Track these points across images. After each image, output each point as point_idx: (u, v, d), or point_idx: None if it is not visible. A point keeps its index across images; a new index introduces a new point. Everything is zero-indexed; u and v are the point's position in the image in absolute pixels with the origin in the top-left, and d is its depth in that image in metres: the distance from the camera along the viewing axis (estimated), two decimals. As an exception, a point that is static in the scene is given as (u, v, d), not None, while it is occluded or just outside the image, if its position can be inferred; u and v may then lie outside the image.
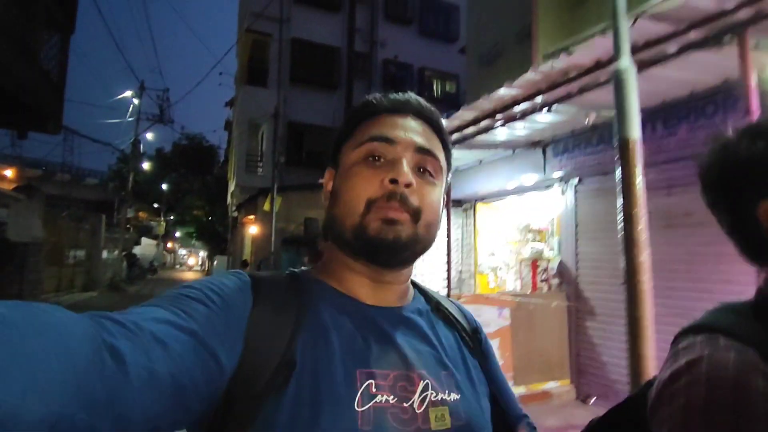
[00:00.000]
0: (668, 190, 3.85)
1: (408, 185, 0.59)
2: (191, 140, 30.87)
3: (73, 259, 13.17)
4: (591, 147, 4.73)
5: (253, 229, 11.86)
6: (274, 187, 9.15)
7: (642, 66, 2.81)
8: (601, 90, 3.32)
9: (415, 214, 0.60)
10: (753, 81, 2.49)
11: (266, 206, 9.13)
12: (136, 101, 17.87)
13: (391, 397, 0.54)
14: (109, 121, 20.01)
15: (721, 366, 0.50)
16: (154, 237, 36.80)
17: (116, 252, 18.14)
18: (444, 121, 0.71)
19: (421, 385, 0.57)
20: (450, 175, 0.71)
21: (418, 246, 0.61)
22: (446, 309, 0.71)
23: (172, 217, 34.47)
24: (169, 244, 43.94)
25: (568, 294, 4.91)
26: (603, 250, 4.48)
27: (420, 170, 0.63)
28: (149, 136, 24.21)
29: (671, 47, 2.89)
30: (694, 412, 0.49)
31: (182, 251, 49.74)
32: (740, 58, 2.53)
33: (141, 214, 31.97)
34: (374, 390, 0.54)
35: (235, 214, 16.34)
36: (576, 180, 4.94)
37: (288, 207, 10.09)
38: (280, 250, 9.15)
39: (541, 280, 5.32)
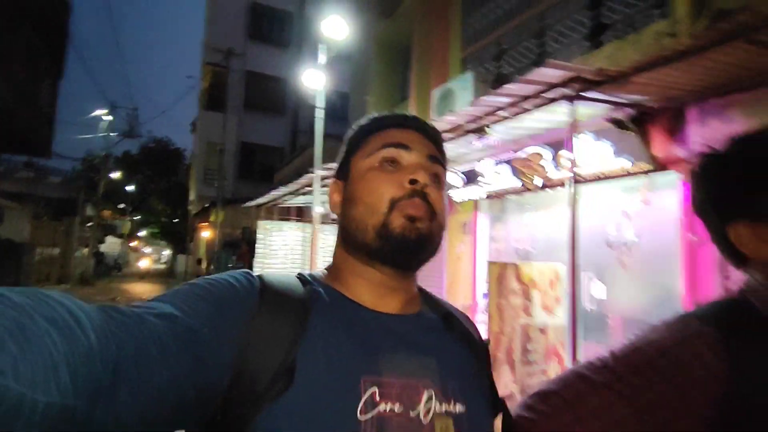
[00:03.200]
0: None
1: (426, 186, 0.62)
2: (158, 143, 32.62)
3: (50, 256, 15.35)
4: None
5: (206, 234, 14.45)
6: (218, 205, 11.82)
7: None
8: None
9: (431, 213, 0.61)
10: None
11: (213, 218, 11.79)
12: (107, 118, 20.07)
13: (396, 405, 0.53)
14: (82, 136, 21.88)
15: (665, 335, 0.62)
16: (119, 236, 38.19)
17: (85, 250, 20.18)
18: None
19: (426, 394, 0.56)
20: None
21: (432, 245, 0.63)
22: (456, 319, 0.70)
23: (137, 217, 35.91)
24: (134, 243, 45.16)
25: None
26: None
27: (431, 176, 0.64)
28: (115, 134, 25.62)
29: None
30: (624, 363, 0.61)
31: (147, 249, 50.87)
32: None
33: (105, 212, 33.22)
34: (378, 398, 0.53)
35: (195, 219, 18.80)
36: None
37: (234, 216, 12.70)
38: (221, 250, 11.82)
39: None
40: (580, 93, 2.67)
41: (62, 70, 11.42)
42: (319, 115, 5.32)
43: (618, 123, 3.01)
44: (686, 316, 0.64)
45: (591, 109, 3.15)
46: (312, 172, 5.49)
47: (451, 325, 0.68)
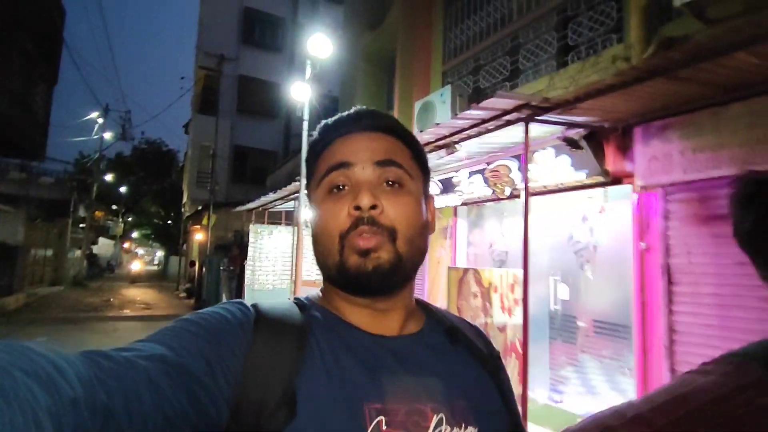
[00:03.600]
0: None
1: (373, 207, 0.57)
2: (150, 145, 32.72)
3: (43, 258, 15.47)
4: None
5: (198, 236, 14.65)
6: (210, 208, 12.05)
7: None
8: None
9: (391, 233, 0.57)
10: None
11: (204, 222, 12.02)
12: (100, 121, 20.23)
13: None
14: (76, 139, 22.01)
15: (716, 381, 0.52)
16: (112, 237, 38.19)
17: (78, 252, 20.29)
18: None
19: (435, 419, 0.53)
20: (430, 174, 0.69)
21: (405, 266, 0.59)
22: (461, 332, 0.67)
23: (130, 219, 35.93)
24: (126, 244, 45.14)
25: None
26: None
27: (388, 183, 0.60)
28: (108, 136, 25.64)
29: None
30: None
31: (139, 251, 50.79)
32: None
33: (98, 213, 33.24)
34: (385, 427, 0.50)
35: (188, 221, 18.98)
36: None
37: (227, 219, 12.92)
38: (213, 253, 12.04)
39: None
40: (534, 116, 2.97)
41: (57, 75, 11.59)
42: (305, 127, 5.59)
43: (570, 141, 3.32)
44: (740, 359, 0.56)
45: (549, 128, 3.46)
46: (299, 180, 5.76)
47: (455, 339, 0.65)
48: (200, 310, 0.54)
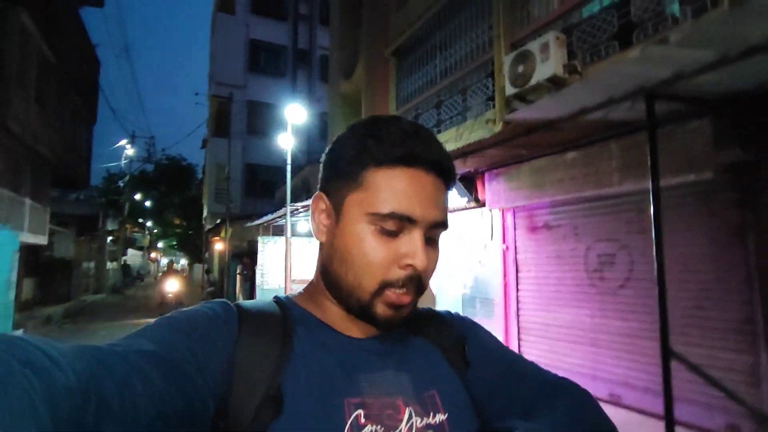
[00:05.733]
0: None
1: (422, 270, 0.58)
2: (171, 161, 35.19)
3: (87, 270, 17.88)
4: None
5: (218, 246, 16.84)
6: (227, 223, 14.19)
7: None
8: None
9: (419, 290, 0.60)
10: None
11: (222, 234, 14.15)
12: (129, 147, 22.81)
13: (379, 427, 0.54)
14: (106, 165, 24.68)
15: None
16: (139, 248, 41.02)
17: (113, 263, 22.76)
18: None
19: (407, 412, 0.57)
20: None
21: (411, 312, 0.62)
22: (426, 321, 0.70)
23: (155, 231, 38.52)
24: (153, 254, 48.02)
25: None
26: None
27: (430, 239, 0.61)
28: (130, 152, 27.62)
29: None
30: None
31: (164, 260, 53.71)
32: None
33: (128, 227, 35.81)
34: (363, 420, 0.53)
35: (208, 233, 21.28)
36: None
37: (242, 231, 15.02)
38: (231, 261, 14.18)
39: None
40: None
41: (95, 116, 13.83)
42: (288, 168, 7.54)
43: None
44: None
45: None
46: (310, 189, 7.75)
47: (418, 330, 0.68)
48: (184, 309, 0.56)
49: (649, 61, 2.68)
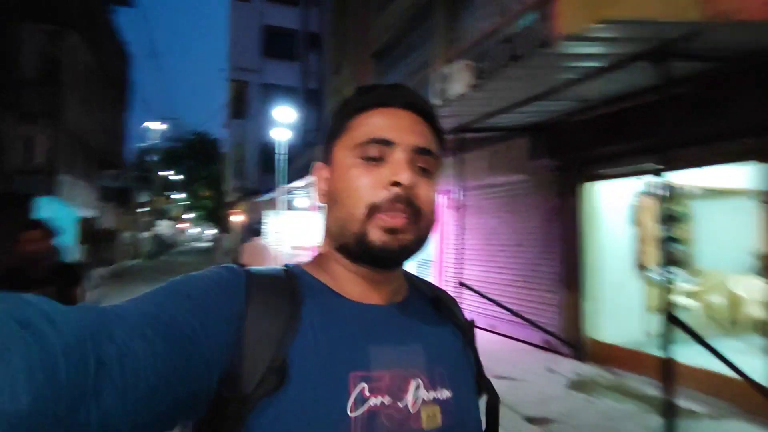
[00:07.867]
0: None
1: (411, 187, 0.58)
2: (197, 135, 37.11)
3: (126, 238, 20.40)
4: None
5: (238, 217, 19.02)
6: (244, 198, 16.22)
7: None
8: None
9: (416, 216, 0.58)
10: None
11: (240, 207, 16.21)
12: (159, 124, 25.12)
13: (386, 398, 0.54)
14: (137, 145, 27.06)
15: None
16: (170, 218, 43.99)
17: (147, 233, 25.37)
18: None
19: (414, 384, 0.57)
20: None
21: (418, 247, 0.61)
22: (442, 301, 0.70)
23: (186, 203, 40.99)
24: (180, 225, 51.22)
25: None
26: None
27: (420, 168, 0.60)
28: (159, 128, 29.76)
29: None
30: None
31: (193, 231, 56.83)
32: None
33: (160, 200, 38.18)
34: (368, 393, 0.53)
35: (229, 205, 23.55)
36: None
37: (257, 205, 17.04)
38: (246, 232, 16.28)
39: None
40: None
41: (127, 105, 15.82)
42: (283, 158, 9.28)
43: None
44: None
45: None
46: (312, 168, 9.55)
47: (438, 307, 0.68)
48: (191, 273, 0.55)
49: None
